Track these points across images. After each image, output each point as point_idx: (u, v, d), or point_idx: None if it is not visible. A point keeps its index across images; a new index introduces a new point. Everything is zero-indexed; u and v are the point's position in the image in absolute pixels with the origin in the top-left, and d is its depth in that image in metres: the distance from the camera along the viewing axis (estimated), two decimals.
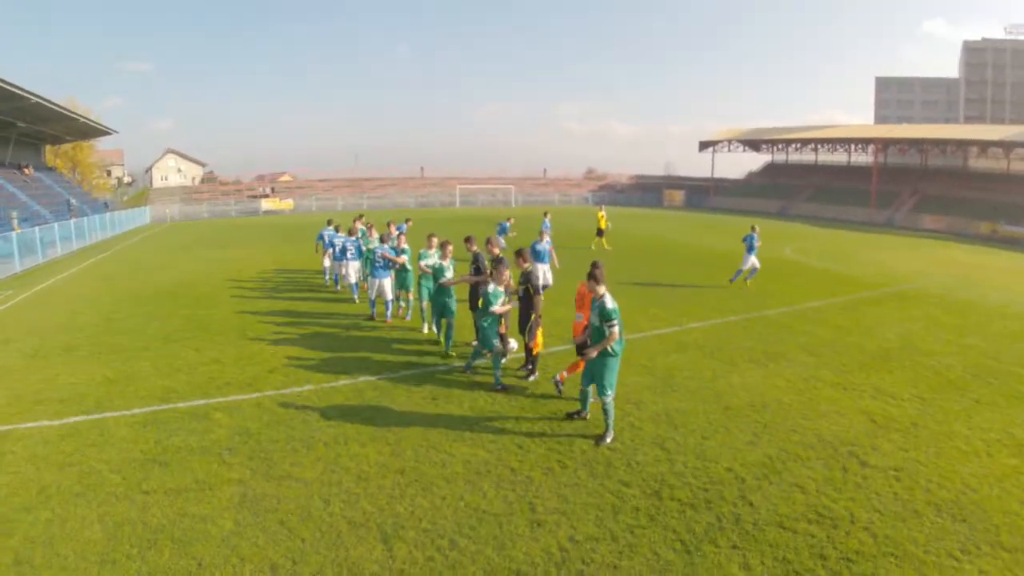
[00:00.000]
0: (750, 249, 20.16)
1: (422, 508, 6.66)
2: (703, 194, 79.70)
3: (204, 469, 7.49)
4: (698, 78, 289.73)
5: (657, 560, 5.84)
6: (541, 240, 17.16)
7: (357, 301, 17.30)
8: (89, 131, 55.31)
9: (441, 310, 12.20)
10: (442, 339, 12.58)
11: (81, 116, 47.71)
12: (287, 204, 68.64)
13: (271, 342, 13.16)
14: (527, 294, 10.46)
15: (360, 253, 17.22)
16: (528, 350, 10.76)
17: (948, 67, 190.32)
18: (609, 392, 8.22)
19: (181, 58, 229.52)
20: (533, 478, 7.32)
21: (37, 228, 30.09)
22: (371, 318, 15.05)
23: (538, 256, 16.36)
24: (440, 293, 12.15)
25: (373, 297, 15.02)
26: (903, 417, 9.35)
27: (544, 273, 16.36)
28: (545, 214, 29.09)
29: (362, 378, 10.82)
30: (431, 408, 9.49)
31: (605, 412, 8.34)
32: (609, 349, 8.15)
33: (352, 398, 9.86)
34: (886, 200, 62.49)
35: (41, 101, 37.81)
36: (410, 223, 20.68)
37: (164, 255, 30.41)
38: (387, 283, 14.59)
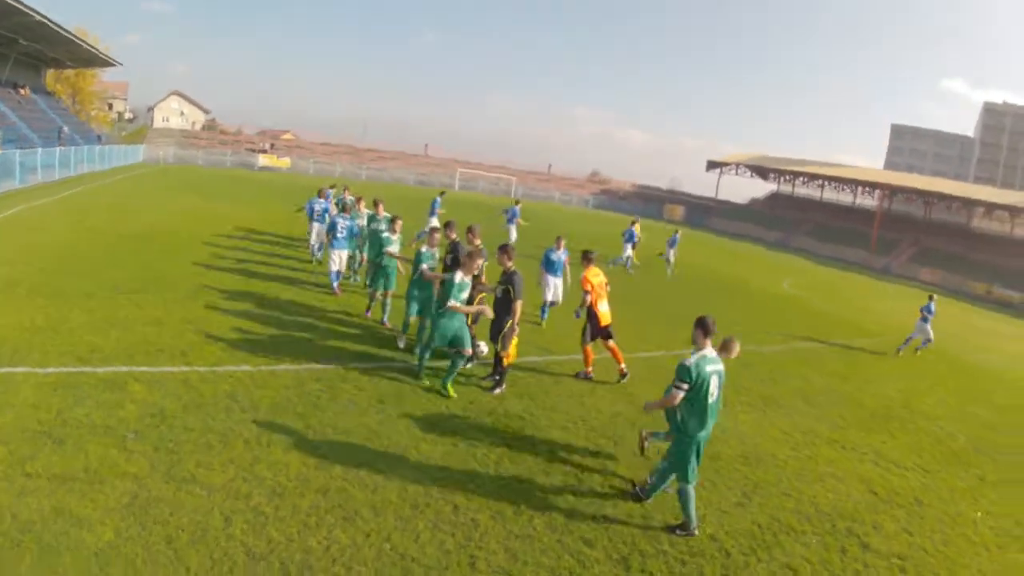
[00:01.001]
0: (925, 319, 18.23)
1: (339, 545, 5.50)
2: (703, 213, 78.71)
3: (100, 455, 6.31)
4: (717, 98, 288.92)
5: None
6: (557, 248, 14.73)
7: (313, 262, 17.49)
8: (93, 59, 53.52)
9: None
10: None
11: (85, 42, 45.96)
12: (284, 162, 66.62)
13: (222, 309, 11.92)
14: (506, 296, 9.31)
15: (324, 219, 17.04)
16: (498, 359, 9.62)
17: (961, 125, 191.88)
18: (681, 479, 6.54)
19: (204, 4, 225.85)
20: (479, 522, 6.18)
21: (18, 151, 28.61)
22: (334, 292, 14.36)
23: (551, 267, 14.44)
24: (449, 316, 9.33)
25: (334, 270, 14.50)
26: (906, 490, 8.54)
27: (555, 288, 14.51)
28: (633, 222, 27.25)
29: (307, 365, 9.60)
30: (375, 413, 8.29)
31: (680, 501, 6.64)
32: (680, 425, 6.51)
33: (290, 387, 8.64)
34: (886, 247, 61.90)
35: (45, 21, 36.29)
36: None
37: (145, 197, 28.98)
38: (345, 254, 14.62)
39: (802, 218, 72.67)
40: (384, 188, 49.96)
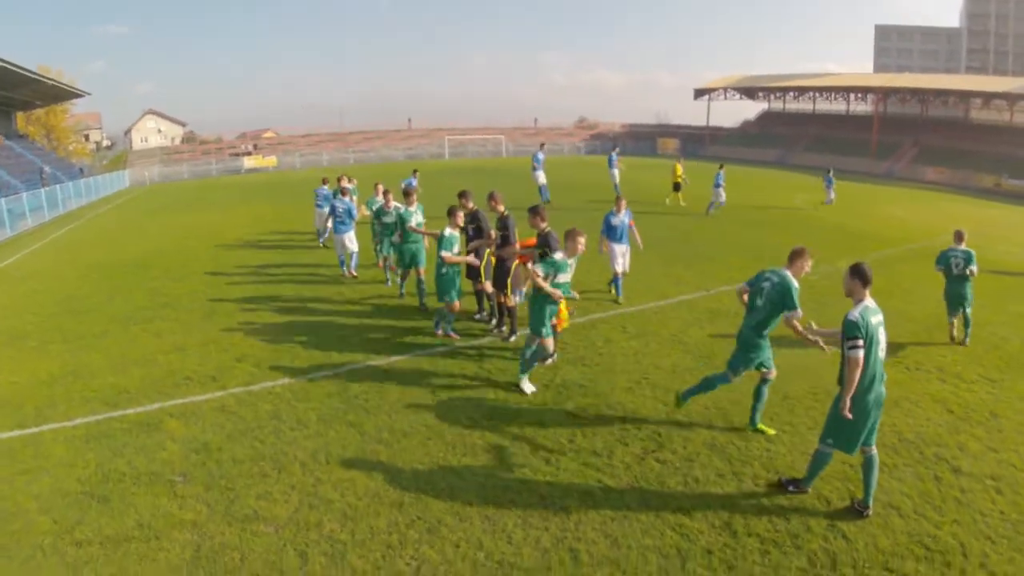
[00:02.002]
0: None
1: (430, 563, 5.04)
2: (698, 143, 77.54)
3: (151, 506, 5.85)
4: (687, 27, 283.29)
5: None
6: (618, 211, 12.37)
7: (322, 244, 18.24)
8: (60, 94, 52.67)
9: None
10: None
11: (47, 78, 45.08)
12: (270, 161, 65.89)
13: (242, 322, 11.44)
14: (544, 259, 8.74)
15: (326, 204, 17.19)
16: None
17: (943, 18, 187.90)
18: (828, 439, 5.79)
19: (161, 19, 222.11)
20: (569, 508, 5.73)
21: (3, 199, 27.95)
22: (343, 275, 14.85)
23: (613, 233, 12.25)
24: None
25: (340, 252, 15.00)
26: (979, 405, 8.14)
27: (623, 257, 12.35)
28: (721, 166, 26.09)
29: (347, 367, 9.11)
30: (431, 407, 7.83)
31: (812, 458, 6.00)
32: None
33: (334, 396, 8.15)
34: (886, 151, 60.87)
35: (3, 64, 35.37)
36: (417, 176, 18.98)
37: (138, 221, 28.33)
38: (348, 237, 14.54)
39: (797, 133, 71.36)
40: (375, 168, 49.12)
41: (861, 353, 5.40)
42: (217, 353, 9.83)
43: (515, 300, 9.88)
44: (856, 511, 5.77)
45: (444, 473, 6.32)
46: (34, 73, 41.17)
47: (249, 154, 67.81)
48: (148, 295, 13.77)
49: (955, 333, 10.75)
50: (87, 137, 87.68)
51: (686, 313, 11.48)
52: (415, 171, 20.72)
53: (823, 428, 5.90)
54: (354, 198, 15.58)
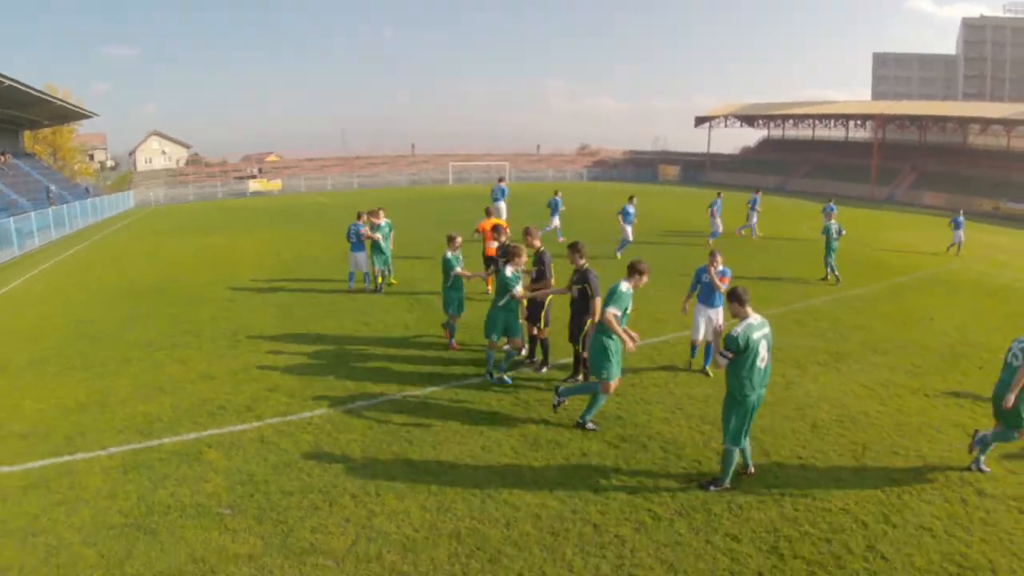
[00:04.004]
0: None
1: None
2: (698, 169, 78.26)
3: (202, 540, 5.81)
4: (684, 55, 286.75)
5: None
6: (714, 265, 10.17)
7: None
8: (68, 114, 52.89)
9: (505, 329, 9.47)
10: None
11: (57, 99, 45.43)
12: (275, 185, 66.12)
13: (269, 350, 11.42)
14: (583, 295, 8.72)
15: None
16: (580, 360, 9.17)
17: (937, 45, 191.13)
18: (726, 439, 6.56)
19: (165, 42, 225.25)
20: (624, 537, 5.83)
21: (12, 218, 28.03)
22: (349, 290, 16.20)
23: (706, 294, 10.21)
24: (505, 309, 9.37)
25: (352, 270, 16.34)
26: None
27: (710, 324, 10.06)
28: (829, 200, 26.77)
29: (383, 398, 9.13)
30: (475, 438, 7.86)
31: (721, 458, 6.78)
32: (732, 390, 6.47)
33: (375, 426, 8.15)
34: (886, 177, 61.49)
35: (14, 84, 35.63)
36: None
37: (147, 243, 28.27)
38: (361, 256, 16.09)
39: (797, 160, 72.21)
40: (379, 194, 49.41)
41: (725, 363, 6.36)
42: (248, 383, 9.79)
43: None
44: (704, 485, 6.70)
45: (497, 504, 6.37)
46: (43, 93, 41.38)
47: (254, 177, 68.23)
48: (168, 321, 13.71)
49: (834, 275, 17.79)
50: (92, 157, 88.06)
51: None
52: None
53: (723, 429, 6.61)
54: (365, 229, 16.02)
